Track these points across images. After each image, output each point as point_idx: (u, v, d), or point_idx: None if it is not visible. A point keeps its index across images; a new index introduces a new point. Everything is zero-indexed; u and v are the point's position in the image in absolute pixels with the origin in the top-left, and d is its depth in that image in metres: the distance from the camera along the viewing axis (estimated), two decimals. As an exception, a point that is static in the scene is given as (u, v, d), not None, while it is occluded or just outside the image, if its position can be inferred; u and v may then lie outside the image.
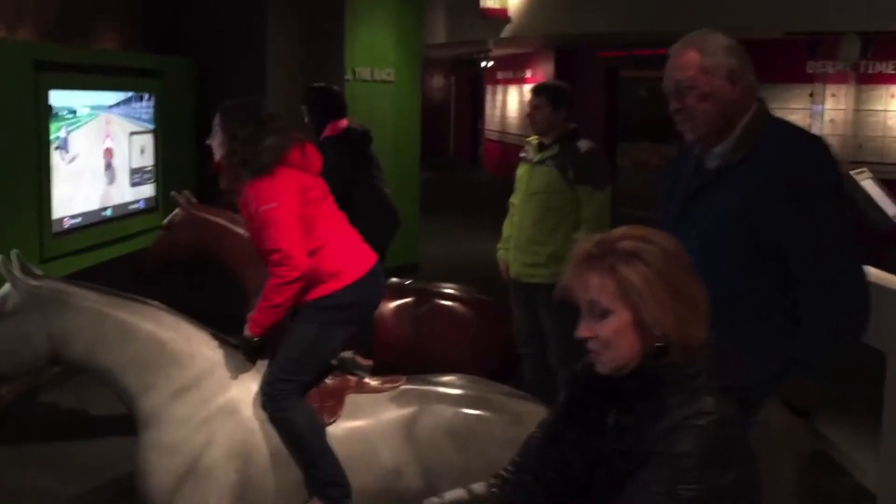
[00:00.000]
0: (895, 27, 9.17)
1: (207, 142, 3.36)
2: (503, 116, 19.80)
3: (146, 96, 5.71)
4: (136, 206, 5.69)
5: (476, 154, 22.48)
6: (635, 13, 11.60)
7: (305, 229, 3.18)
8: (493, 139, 20.55)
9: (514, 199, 4.66)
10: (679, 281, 1.66)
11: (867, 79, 11.01)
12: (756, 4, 10.22)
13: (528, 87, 17.68)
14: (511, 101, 19.15)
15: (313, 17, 6.79)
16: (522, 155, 4.58)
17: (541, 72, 17.18)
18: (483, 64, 18.07)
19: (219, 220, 4.39)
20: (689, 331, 1.64)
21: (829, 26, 10.33)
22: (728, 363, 1.71)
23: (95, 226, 5.20)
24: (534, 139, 4.51)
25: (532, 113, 4.41)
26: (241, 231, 4.36)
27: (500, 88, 19.97)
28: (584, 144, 4.34)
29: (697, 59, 2.31)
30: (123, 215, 5.53)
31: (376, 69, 8.16)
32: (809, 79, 12.09)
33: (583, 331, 1.71)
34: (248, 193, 3.19)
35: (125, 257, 5.50)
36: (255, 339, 3.23)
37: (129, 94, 5.53)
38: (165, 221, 4.51)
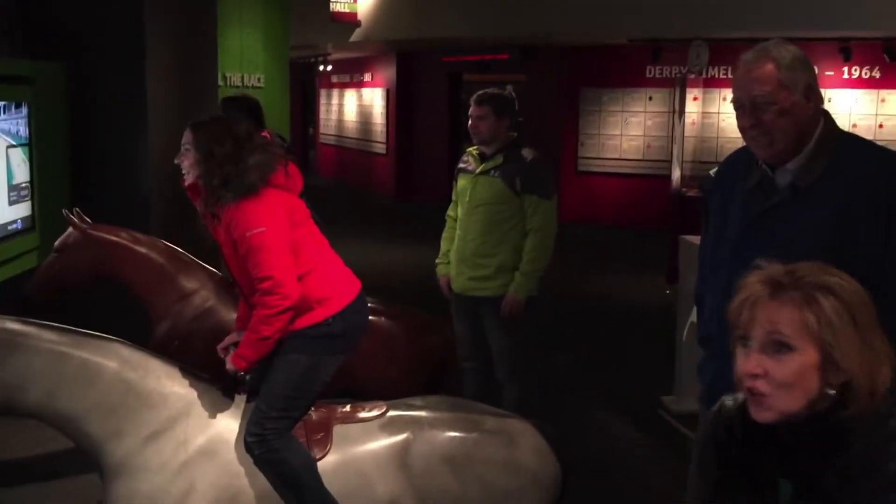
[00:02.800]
0: (734, 34, 9.76)
1: (176, 161, 3.06)
2: (339, 121, 19.57)
3: (20, 106, 5.19)
4: (14, 226, 5.15)
5: (307, 158, 22.12)
6: (483, 18, 11.77)
7: (294, 254, 2.96)
8: (329, 143, 20.29)
9: (453, 212, 4.55)
10: (869, 323, 1.53)
11: (709, 83, 11.69)
12: (600, 11, 10.61)
13: (366, 91, 17.61)
14: (348, 105, 18.96)
15: (187, 20, 6.41)
16: (462, 166, 4.47)
17: (381, 76, 17.12)
18: (321, 68, 17.75)
19: (119, 239, 4.04)
20: (875, 376, 1.51)
21: (672, 33, 10.90)
22: None
23: (-24, 251, 4.67)
24: (474, 150, 4.41)
25: (475, 123, 4.29)
26: (144, 251, 4.04)
27: (335, 92, 19.74)
28: (528, 153, 4.29)
29: (775, 72, 2.23)
30: (2, 237, 4.99)
31: (246, 74, 7.82)
32: (648, 83, 12.72)
33: (752, 367, 1.51)
34: (233, 217, 2.92)
35: (3, 284, 4.98)
36: (241, 374, 2.98)
37: (2, 103, 5.00)
38: (58, 243, 4.09)
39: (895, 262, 2.18)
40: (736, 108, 2.32)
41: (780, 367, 1.50)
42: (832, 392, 1.50)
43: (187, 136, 3.03)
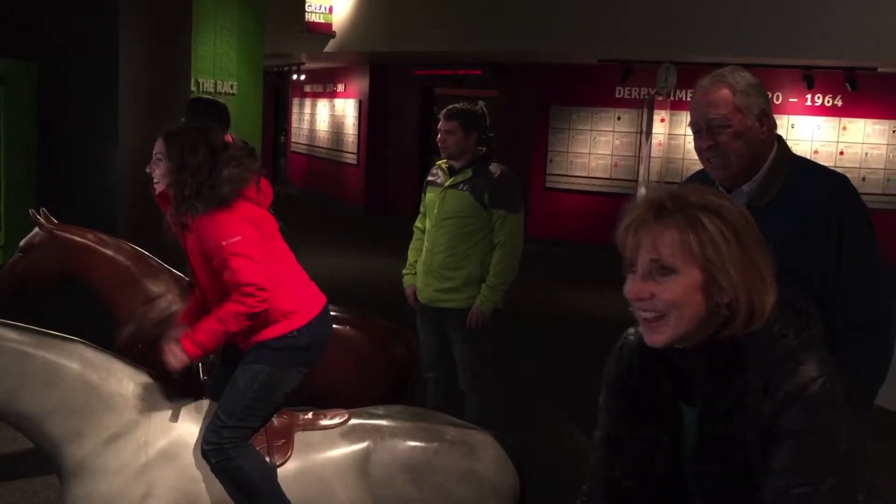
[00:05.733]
0: (701, 59, 9.93)
1: (147, 170, 3.08)
2: (311, 130, 19.56)
3: (-12, 104, 5.17)
4: (-22, 225, 5.13)
5: (277, 167, 22.08)
6: (456, 34, 11.87)
7: (265, 264, 2.99)
8: (300, 152, 20.27)
9: (421, 224, 4.59)
10: (752, 244, 1.52)
11: (676, 105, 11.85)
12: (572, 31, 10.75)
13: (339, 101, 17.63)
14: (321, 115, 18.97)
15: (161, 25, 6.41)
16: (431, 179, 4.51)
17: (354, 87, 17.15)
18: (295, 76, 17.76)
19: (86, 240, 4.03)
20: (758, 297, 1.51)
21: (641, 56, 11.06)
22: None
23: (-61, 249, 4.63)
24: (443, 163, 4.46)
25: (443, 137, 4.34)
26: (110, 253, 4.04)
27: (308, 101, 19.74)
28: (496, 168, 4.35)
29: (730, 96, 2.32)
30: (-34, 236, 4.96)
31: (220, 81, 7.83)
32: (617, 104, 12.88)
33: (638, 291, 1.52)
34: (205, 228, 2.93)
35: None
36: (192, 363, 2.97)
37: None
38: (23, 243, 4.08)
39: (847, 280, 2.28)
40: (693, 132, 2.41)
41: (664, 288, 1.50)
42: (722, 312, 1.50)
43: (160, 146, 3.03)
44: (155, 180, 3.06)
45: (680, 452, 1.62)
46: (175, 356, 2.94)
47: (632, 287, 1.54)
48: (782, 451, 1.47)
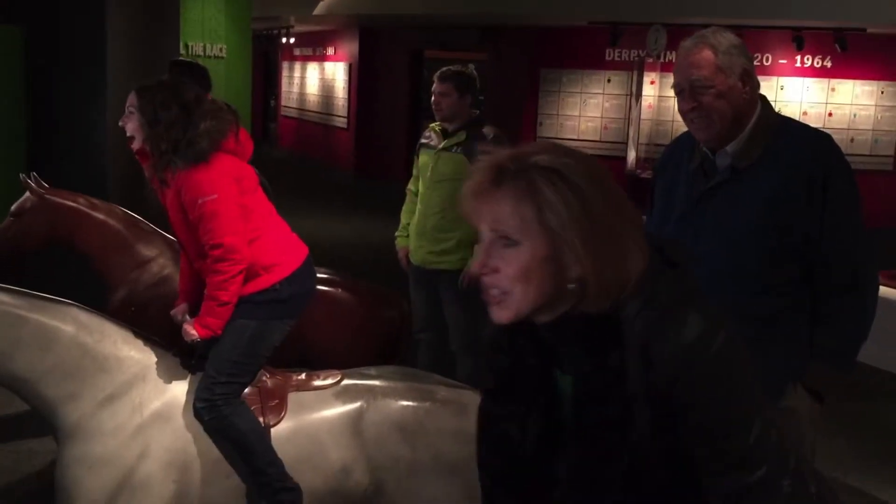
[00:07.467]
0: (691, 20, 9.90)
1: (120, 123, 3.08)
2: (301, 94, 19.46)
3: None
4: (-32, 191, 5.11)
5: (267, 130, 21.98)
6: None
7: (243, 220, 3.00)
8: (291, 116, 20.17)
9: (414, 186, 4.61)
10: (606, 209, 1.36)
11: (666, 68, 11.82)
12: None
13: (329, 65, 17.52)
14: (310, 79, 18.86)
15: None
16: (424, 141, 4.52)
17: (343, 50, 17.04)
18: (284, 40, 17.62)
19: (77, 205, 4.04)
20: (615, 269, 1.35)
21: (631, 17, 11.02)
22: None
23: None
24: (436, 125, 4.47)
25: (438, 100, 4.35)
26: (101, 217, 4.06)
27: (297, 65, 19.60)
28: (489, 131, 4.36)
29: (712, 57, 2.34)
30: (-43, 202, 4.94)
31: (209, 44, 7.78)
32: (607, 66, 12.84)
33: (482, 264, 1.38)
34: (184, 183, 2.94)
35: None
36: (202, 342, 3.01)
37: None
38: (14, 207, 4.09)
39: (830, 239, 2.32)
40: (676, 93, 2.43)
41: (508, 262, 1.36)
42: (572, 286, 1.36)
43: (132, 99, 3.03)
44: (128, 133, 3.06)
45: (553, 426, 1.51)
46: (188, 335, 3.02)
47: (477, 260, 1.41)
48: (690, 424, 1.37)
